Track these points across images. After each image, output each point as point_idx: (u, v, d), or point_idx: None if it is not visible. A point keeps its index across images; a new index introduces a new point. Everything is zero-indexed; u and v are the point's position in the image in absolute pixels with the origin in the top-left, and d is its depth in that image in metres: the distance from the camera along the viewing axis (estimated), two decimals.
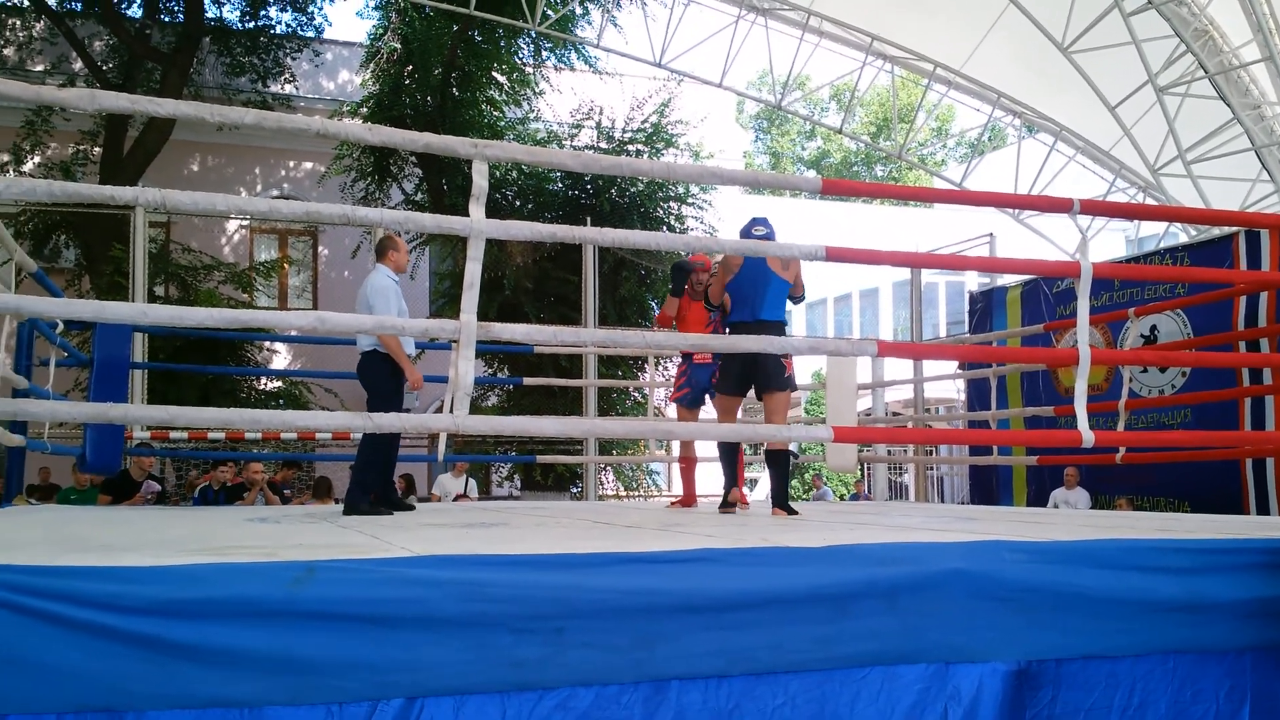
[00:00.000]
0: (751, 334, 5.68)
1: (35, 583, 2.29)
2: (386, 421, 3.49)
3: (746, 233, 5.93)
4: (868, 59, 17.23)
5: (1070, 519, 5.41)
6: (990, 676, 2.91)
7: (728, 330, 6.26)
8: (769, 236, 5.92)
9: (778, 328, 5.99)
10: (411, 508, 6.78)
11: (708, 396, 6.94)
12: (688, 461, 7.46)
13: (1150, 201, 16.31)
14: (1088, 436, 4.06)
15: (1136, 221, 19.78)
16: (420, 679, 2.47)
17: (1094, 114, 15.59)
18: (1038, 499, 10.75)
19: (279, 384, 15.49)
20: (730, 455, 6.40)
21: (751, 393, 6.34)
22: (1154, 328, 9.38)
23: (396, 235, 6.54)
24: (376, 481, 6.28)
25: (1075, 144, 17.48)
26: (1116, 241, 22.73)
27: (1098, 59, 14.28)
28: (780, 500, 6.05)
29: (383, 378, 6.17)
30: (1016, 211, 18.11)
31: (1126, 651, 3.08)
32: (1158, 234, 18.84)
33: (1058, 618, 3.02)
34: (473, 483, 12.30)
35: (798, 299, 6.30)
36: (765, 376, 5.99)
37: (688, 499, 7.32)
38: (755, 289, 5.98)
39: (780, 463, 6.14)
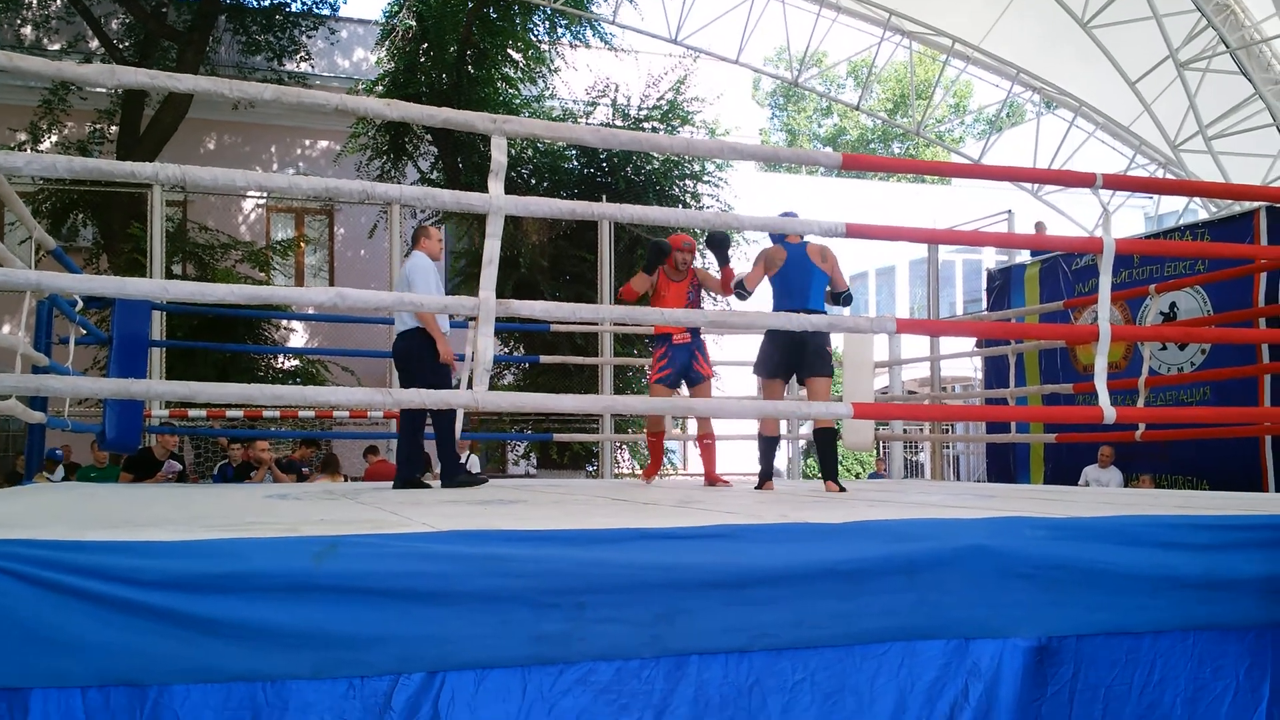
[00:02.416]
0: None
1: (59, 557, 2.30)
2: (406, 398, 3.50)
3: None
4: (885, 34, 17.12)
5: (1090, 495, 5.39)
6: (1011, 653, 2.89)
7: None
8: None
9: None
10: (427, 485, 6.85)
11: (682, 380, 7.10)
12: (657, 438, 7.53)
13: (1171, 177, 16.19)
14: (1109, 413, 4.05)
15: (1156, 198, 19.66)
16: (442, 653, 2.48)
17: (1114, 89, 15.49)
18: (1055, 477, 10.71)
19: (296, 362, 15.54)
20: (768, 448, 6.51)
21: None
22: (1174, 304, 9.32)
23: (430, 226, 6.88)
24: (454, 452, 6.75)
25: (1095, 120, 17.34)
26: (1135, 218, 22.59)
27: (1118, 34, 14.18)
28: (830, 474, 6.12)
29: (429, 353, 6.49)
30: (1035, 188, 18.02)
31: (1147, 628, 3.06)
32: (1177, 210, 18.73)
33: (1078, 594, 3.00)
34: (474, 458, 12.30)
35: (842, 296, 6.33)
36: (810, 363, 6.12)
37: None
38: (802, 279, 6.11)
39: (827, 440, 6.25)
